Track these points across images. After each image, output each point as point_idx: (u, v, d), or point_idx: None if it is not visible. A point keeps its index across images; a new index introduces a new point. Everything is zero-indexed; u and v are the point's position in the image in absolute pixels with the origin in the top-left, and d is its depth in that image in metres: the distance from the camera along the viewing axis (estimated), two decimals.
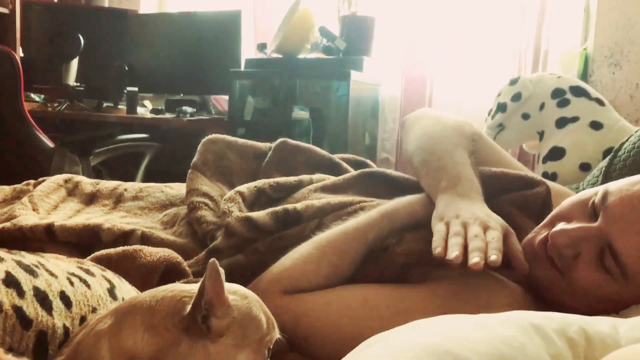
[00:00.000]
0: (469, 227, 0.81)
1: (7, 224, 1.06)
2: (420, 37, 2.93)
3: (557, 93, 1.94)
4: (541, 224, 0.88)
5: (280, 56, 2.86)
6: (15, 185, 1.35)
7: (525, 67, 2.75)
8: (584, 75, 2.66)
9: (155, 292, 0.55)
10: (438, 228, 0.84)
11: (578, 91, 1.94)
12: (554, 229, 0.82)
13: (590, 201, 0.81)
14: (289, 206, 1.00)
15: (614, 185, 0.81)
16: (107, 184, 1.33)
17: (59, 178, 1.34)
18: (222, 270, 0.54)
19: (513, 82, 2.03)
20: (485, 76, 2.85)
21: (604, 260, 0.78)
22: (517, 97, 2.00)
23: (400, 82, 2.99)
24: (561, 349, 0.53)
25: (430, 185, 0.96)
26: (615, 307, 0.78)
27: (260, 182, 1.12)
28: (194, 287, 0.55)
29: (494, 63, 2.85)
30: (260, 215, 0.99)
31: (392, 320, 0.70)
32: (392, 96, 3.03)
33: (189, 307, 0.53)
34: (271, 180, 1.13)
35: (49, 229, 1.04)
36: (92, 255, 0.89)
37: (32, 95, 3.31)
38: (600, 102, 1.93)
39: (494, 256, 0.76)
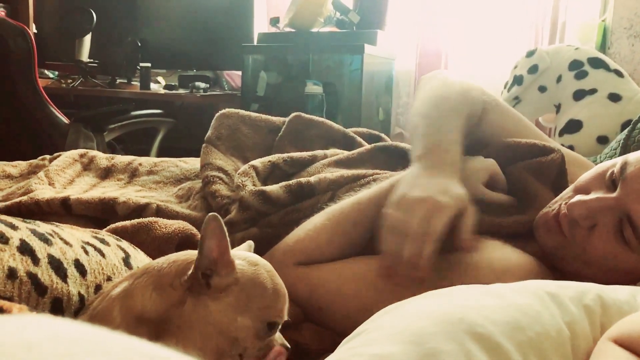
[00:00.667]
0: (411, 216, 0.78)
1: (24, 198, 1.07)
2: (435, 9, 2.88)
3: (575, 65, 1.91)
4: (558, 197, 0.87)
5: (293, 30, 2.84)
6: (31, 161, 1.36)
7: (542, 40, 2.70)
8: (603, 47, 2.61)
9: (168, 257, 0.56)
10: (386, 213, 0.81)
11: (596, 63, 1.91)
12: (572, 200, 0.81)
13: (609, 172, 0.80)
14: (303, 179, 1.00)
15: (633, 156, 0.80)
16: (122, 159, 1.34)
17: (74, 153, 1.34)
18: (225, 230, 0.55)
19: (530, 54, 2.00)
20: (501, 49, 2.80)
21: (622, 231, 0.77)
22: (534, 70, 1.97)
23: (414, 56, 2.95)
24: (576, 316, 0.52)
25: (412, 152, 0.93)
26: (632, 278, 0.78)
27: (275, 157, 1.13)
28: None
29: (510, 36, 2.80)
30: (274, 188, 0.99)
31: (405, 291, 0.70)
32: (406, 70, 3.00)
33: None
34: (285, 155, 1.13)
35: (65, 202, 1.05)
36: (108, 227, 0.90)
37: (46, 72, 3.32)
38: (619, 74, 1.90)
39: (419, 273, 0.76)
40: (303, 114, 1.31)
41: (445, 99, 1.00)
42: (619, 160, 0.80)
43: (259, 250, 0.92)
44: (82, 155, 1.34)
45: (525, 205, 0.92)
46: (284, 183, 1.00)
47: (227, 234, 0.55)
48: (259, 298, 0.56)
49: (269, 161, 1.11)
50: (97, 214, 1.05)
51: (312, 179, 1.00)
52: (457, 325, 0.47)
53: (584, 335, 0.52)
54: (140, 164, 1.31)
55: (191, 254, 0.57)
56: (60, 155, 1.34)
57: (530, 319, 0.50)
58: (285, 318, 0.59)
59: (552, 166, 0.94)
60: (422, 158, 0.88)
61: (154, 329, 0.51)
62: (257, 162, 1.10)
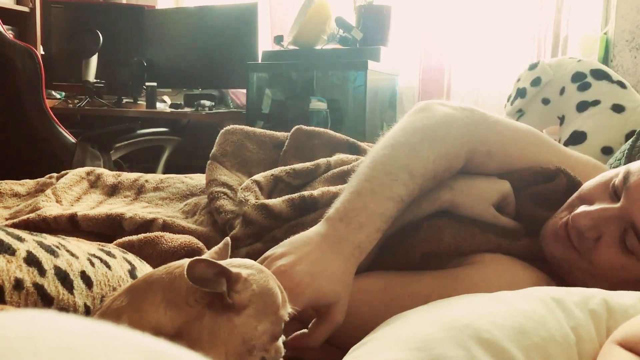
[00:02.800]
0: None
1: (32, 215, 1.08)
2: (437, 25, 2.90)
3: (578, 77, 1.92)
4: (562, 207, 0.87)
5: (297, 48, 2.86)
6: (39, 179, 1.37)
7: (544, 54, 2.72)
8: (605, 60, 2.61)
9: (169, 268, 0.56)
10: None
11: (599, 74, 1.91)
12: (576, 211, 0.81)
13: (612, 182, 0.80)
14: (306, 193, 1.00)
15: (635, 166, 0.79)
16: (128, 176, 1.35)
17: (81, 170, 1.35)
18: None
19: (532, 66, 2.01)
20: (504, 63, 2.82)
21: (626, 241, 0.76)
22: (536, 82, 1.98)
23: (417, 71, 2.97)
24: (582, 320, 0.52)
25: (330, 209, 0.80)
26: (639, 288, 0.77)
27: (277, 170, 1.12)
28: None
29: (513, 50, 2.82)
30: (276, 202, 0.99)
31: (412, 308, 0.69)
32: (410, 86, 3.02)
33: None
34: (287, 167, 1.13)
35: (73, 218, 1.06)
36: (115, 242, 0.91)
37: (53, 92, 3.35)
38: (621, 85, 1.90)
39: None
40: (304, 127, 1.32)
41: (406, 147, 0.84)
42: (621, 170, 0.80)
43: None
44: (88, 173, 1.35)
45: (531, 233, 0.90)
46: (286, 197, 1.00)
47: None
48: (272, 303, 0.57)
49: (272, 175, 1.10)
50: (104, 230, 1.05)
51: (316, 192, 1.00)
52: (463, 331, 0.47)
53: (590, 339, 0.52)
54: (146, 181, 1.32)
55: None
56: (67, 173, 1.35)
57: (535, 324, 0.50)
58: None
59: (558, 191, 0.91)
60: (324, 222, 0.78)
61: (170, 340, 0.52)
62: (260, 176, 1.10)
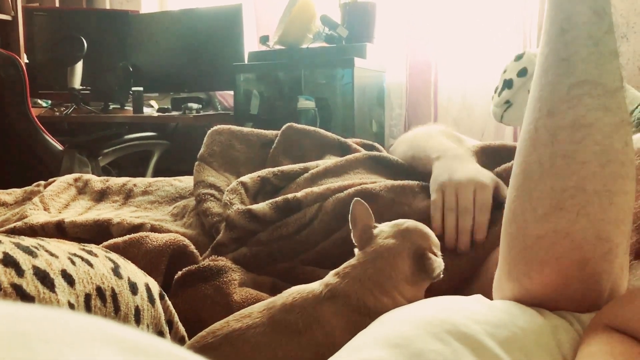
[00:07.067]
0: (460, 195, 0.88)
1: (19, 223, 1.07)
2: (422, 20, 2.90)
3: None
4: None
5: (283, 48, 2.85)
6: (26, 188, 1.36)
7: (530, 44, 2.72)
8: None
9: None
10: (434, 198, 0.90)
11: None
12: None
13: None
14: (290, 195, 0.99)
15: None
16: (116, 181, 1.34)
17: (69, 177, 1.34)
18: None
19: (518, 57, 2.01)
20: (490, 55, 2.82)
21: None
22: (523, 72, 1.98)
23: (404, 67, 2.97)
24: (558, 319, 0.53)
25: (425, 163, 1.03)
26: None
27: (264, 172, 1.11)
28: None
29: (498, 41, 2.82)
30: (260, 206, 0.98)
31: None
32: (397, 82, 3.01)
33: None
34: (275, 169, 1.11)
35: (60, 225, 1.04)
36: (101, 245, 0.89)
37: (39, 101, 3.33)
38: None
39: (480, 235, 0.86)
40: (295, 124, 1.31)
41: (423, 136, 1.14)
42: None
43: (253, 269, 0.91)
44: (76, 180, 1.33)
45: None
46: (270, 200, 0.99)
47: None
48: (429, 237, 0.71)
49: (259, 176, 1.09)
50: (92, 236, 1.04)
51: (299, 193, 0.99)
52: (441, 326, 0.47)
53: (564, 327, 0.51)
54: (134, 185, 1.30)
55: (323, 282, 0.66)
56: (55, 180, 1.34)
57: (512, 317, 0.50)
58: None
59: None
60: (442, 156, 0.98)
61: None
62: (247, 178, 1.09)
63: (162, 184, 1.31)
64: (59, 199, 1.25)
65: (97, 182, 1.33)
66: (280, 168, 1.12)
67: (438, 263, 0.64)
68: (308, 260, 0.92)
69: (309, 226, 0.94)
